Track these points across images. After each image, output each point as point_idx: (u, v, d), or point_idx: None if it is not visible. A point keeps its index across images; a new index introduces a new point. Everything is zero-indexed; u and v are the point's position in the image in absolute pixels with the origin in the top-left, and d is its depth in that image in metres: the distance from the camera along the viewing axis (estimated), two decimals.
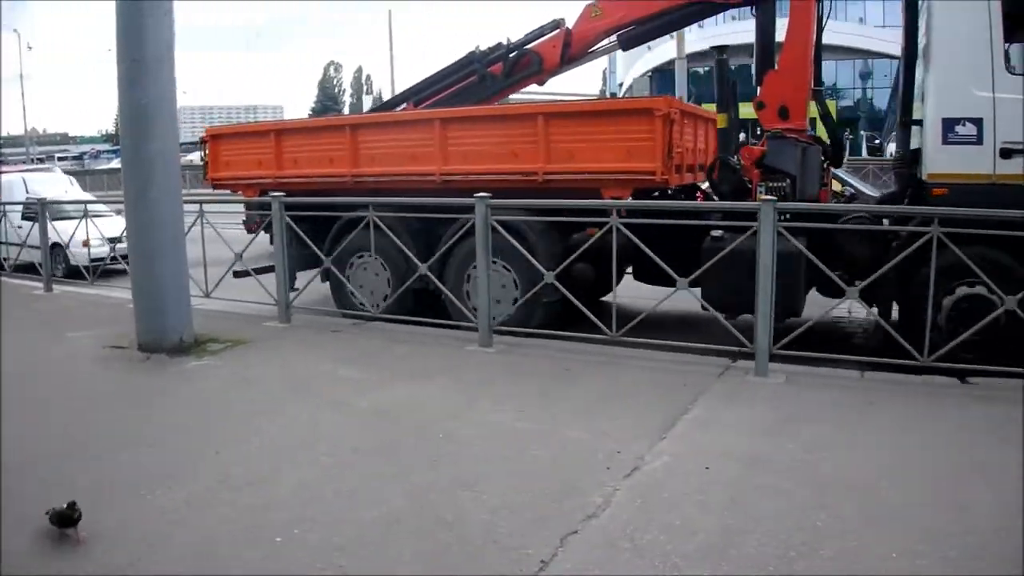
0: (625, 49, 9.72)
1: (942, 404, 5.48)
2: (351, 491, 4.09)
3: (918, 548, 3.43)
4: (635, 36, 9.20)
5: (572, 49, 9.25)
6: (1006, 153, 6.23)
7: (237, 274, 9.04)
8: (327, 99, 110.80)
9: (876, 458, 4.47)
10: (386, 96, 38.09)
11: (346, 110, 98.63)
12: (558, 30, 9.30)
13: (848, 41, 42.64)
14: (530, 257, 7.30)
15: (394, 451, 4.64)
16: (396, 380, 6.20)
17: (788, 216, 6.49)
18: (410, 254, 7.96)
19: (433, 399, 5.70)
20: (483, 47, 9.97)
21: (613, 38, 9.25)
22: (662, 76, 44.19)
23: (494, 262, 7.46)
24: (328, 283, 9.12)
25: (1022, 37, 6.76)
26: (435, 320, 7.93)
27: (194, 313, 7.45)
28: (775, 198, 6.65)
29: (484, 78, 9.69)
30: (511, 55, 9.53)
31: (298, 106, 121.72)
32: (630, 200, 7.42)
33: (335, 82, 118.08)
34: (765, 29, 8.24)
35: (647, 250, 6.74)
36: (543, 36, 9.45)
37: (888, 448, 4.63)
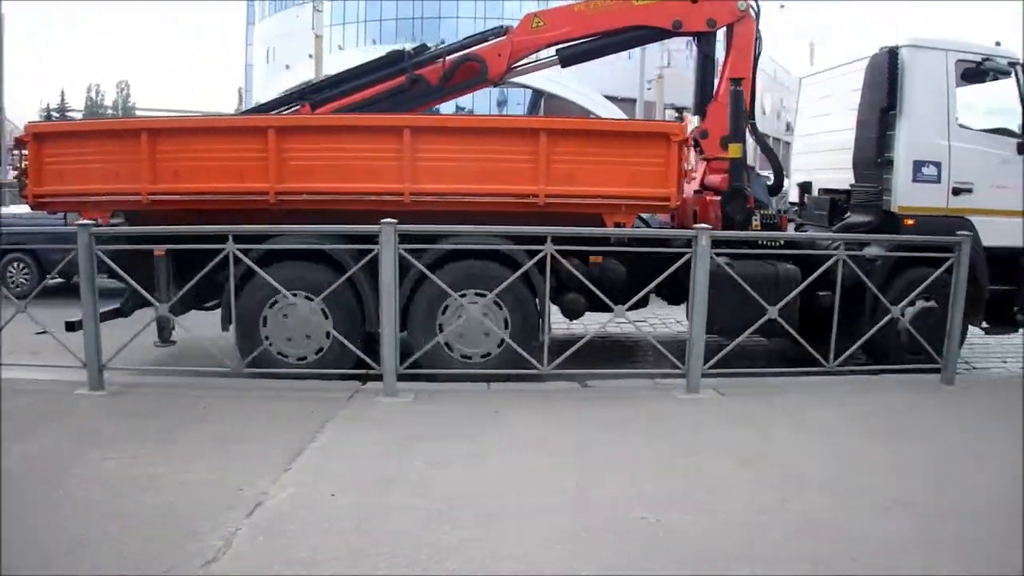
0: (564, 66, 9.21)
1: (561, 407, 6.07)
2: None
3: (541, 547, 3.67)
4: (577, 54, 8.80)
5: (511, 59, 8.55)
6: (956, 191, 7.61)
7: (69, 326, 6.92)
8: None
9: (498, 467, 4.75)
10: None
11: None
12: (504, 37, 8.54)
13: None
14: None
15: None
16: None
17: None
18: (367, 292, 6.87)
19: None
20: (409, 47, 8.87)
21: (552, 52, 8.82)
22: None
23: (481, 295, 6.85)
24: (232, 329, 7.17)
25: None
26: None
27: None
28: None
29: (416, 82, 8.39)
30: (450, 59, 8.49)
31: None
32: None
33: None
34: (705, 61, 8.51)
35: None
36: (485, 42, 8.62)
37: (512, 456, 4.93)
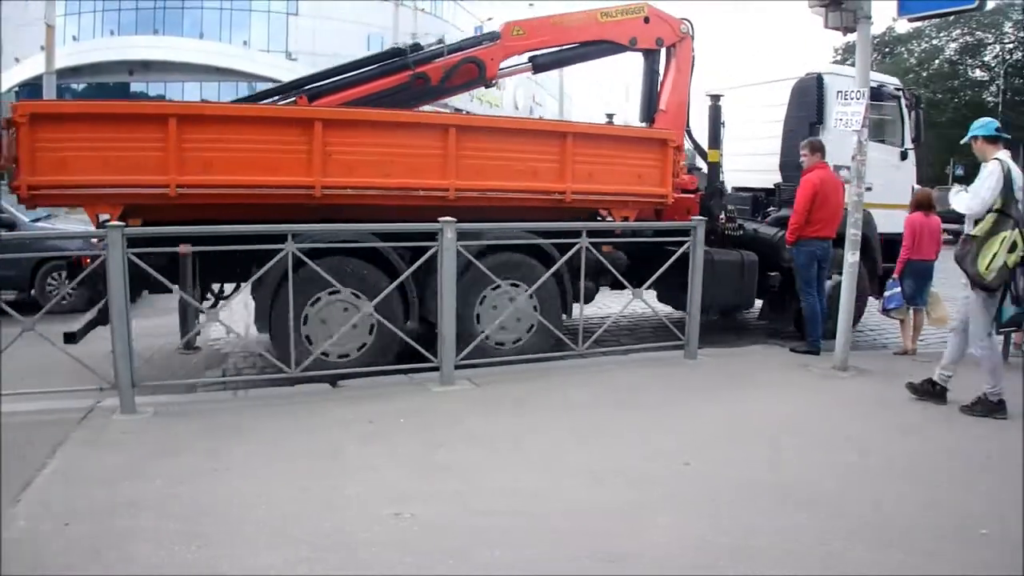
0: (536, 72, 9.85)
1: (310, 410, 5.86)
2: None
3: (293, 554, 3.61)
4: (549, 62, 9.56)
5: (502, 63, 9.11)
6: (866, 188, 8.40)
7: (69, 336, 6.34)
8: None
9: (244, 478, 4.52)
10: None
11: None
12: (497, 42, 8.97)
13: (233, 64, 43.55)
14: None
15: None
16: None
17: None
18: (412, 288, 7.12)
19: None
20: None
21: (525, 59, 9.38)
22: (32, 90, 38.00)
23: (515, 285, 7.57)
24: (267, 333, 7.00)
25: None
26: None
27: None
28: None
29: (420, 79, 8.62)
30: (451, 59, 8.80)
31: None
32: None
33: None
34: (652, 75, 9.44)
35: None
36: (479, 45, 9.03)
37: (259, 465, 4.73)
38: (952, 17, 63.91)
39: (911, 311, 8.73)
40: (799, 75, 9.70)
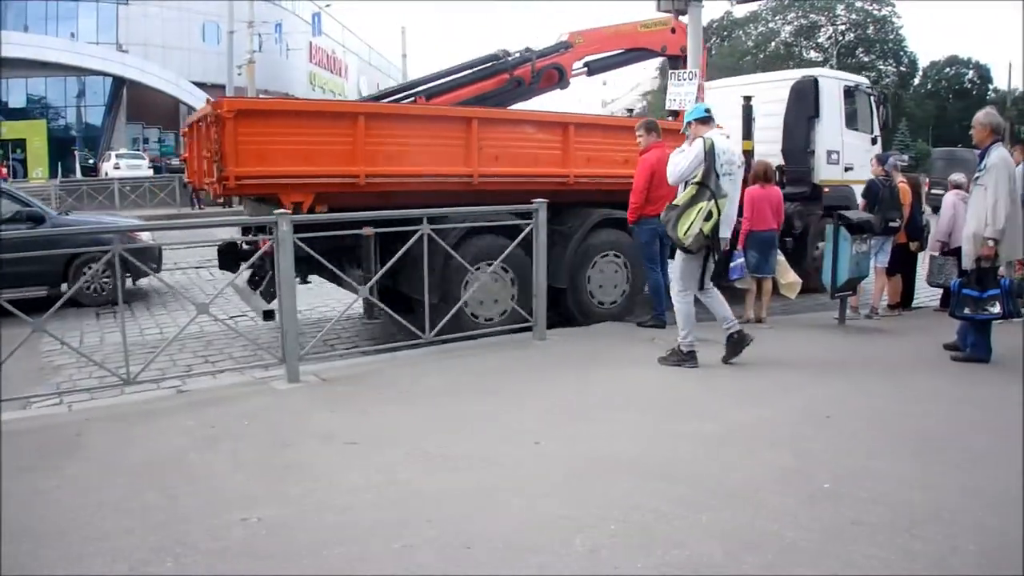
0: (590, 75, 11.87)
1: (151, 420, 5.50)
2: None
3: (133, 568, 3.44)
4: (600, 67, 11.77)
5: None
6: (846, 169, 11.98)
7: (268, 314, 7.40)
8: None
9: (82, 494, 4.20)
10: None
11: None
12: (571, 49, 10.99)
13: (60, 58, 41.18)
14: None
15: None
16: None
17: None
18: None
19: None
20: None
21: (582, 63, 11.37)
22: None
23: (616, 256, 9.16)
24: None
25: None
26: None
27: None
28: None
29: (517, 83, 10.42)
30: (539, 64, 10.62)
31: None
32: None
33: None
34: None
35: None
36: (556, 53, 10.90)
37: (93, 478, 4.44)
38: (787, 0, 67.51)
39: (758, 280, 9.00)
40: (797, 76, 12.28)
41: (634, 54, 11.87)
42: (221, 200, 8.03)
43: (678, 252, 6.87)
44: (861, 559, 3.42)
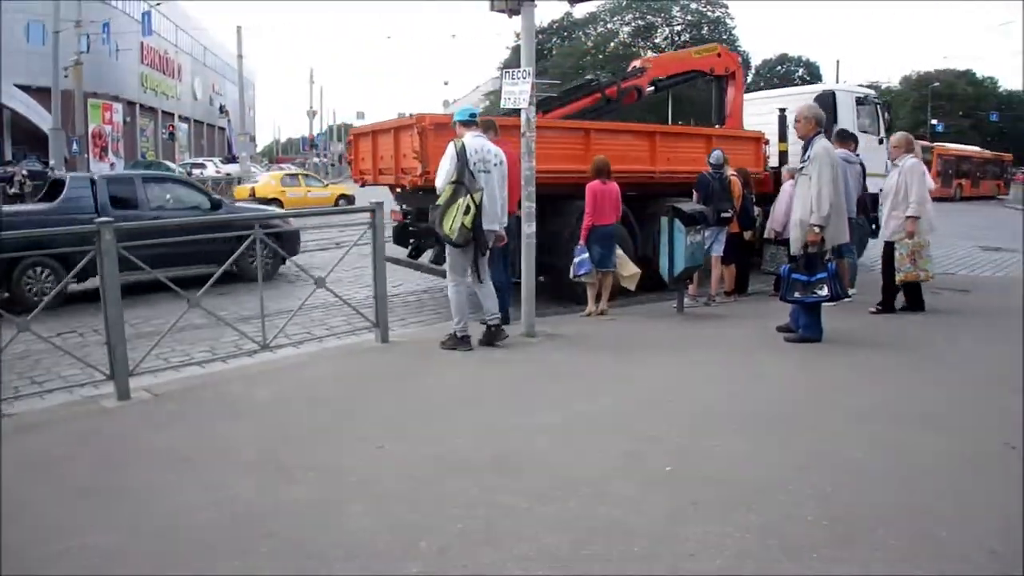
0: (656, 92, 14.68)
1: None
2: None
3: None
4: (665, 85, 14.55)
5: None
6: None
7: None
8: None
9: None
10: None
11: None
12: (645, 73, 13.66)
13: None
14: None
15: None
16: None
17: None
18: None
19: None
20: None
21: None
22: None
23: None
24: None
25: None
26: None
27: None
28: None
29: (607, 100, 12.97)
30: (621, 85, 13.18)
31: None
32: None
33: None
34: (721, 92, 14.46)
35: None
36: (635, 76, 13.59)
37: None
38: (625, 1, 69.37)
39: (601, 274, 9.15)
40: (819, 90, 14.46)
41: (690, 75, 14.44)
42: (399, 189, 10.69)
43: (448, 247, 7.36)
44: (700, 536, 3.51)
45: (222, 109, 64.49)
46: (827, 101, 13.52)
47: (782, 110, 13.43)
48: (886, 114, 15.26)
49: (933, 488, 4.10)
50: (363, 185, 11.99)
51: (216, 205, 13.12)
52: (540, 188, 8.01)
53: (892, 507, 3.85)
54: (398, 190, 10.80)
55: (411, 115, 9.81)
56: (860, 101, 14.61)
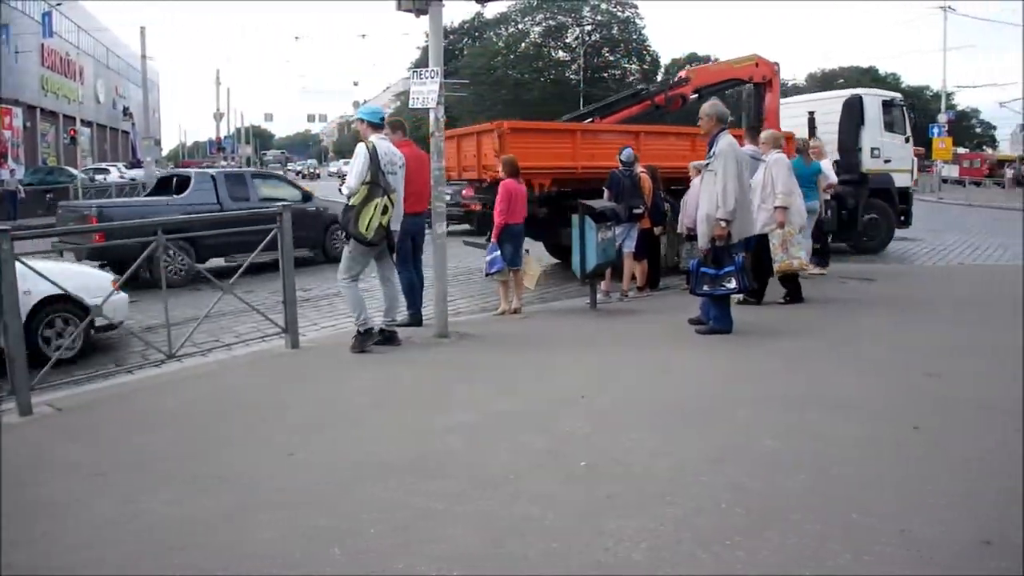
0: (699, 99, 14.41)
1: None
2: None
3: None
4: (708, 92, 14.53)
5: None
6: (885, 161, 15.89)
7: None
8: None
9: None
10: None
11: None
12: (689, 82, 15.05)
13: None
14: None
15: None
16: None
17: None
18: None
19: None
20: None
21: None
22: None
23: None
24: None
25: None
26: None
27: None
28: None
29: (656, 107, 14.76)
30: (668, 93, 14.88)
31: None
32: None
33: None
34: (759, 98, 15.63)
35: None
36: (679, 85, 15.08)
37: None
38: (535, 2, 69.77)
39: (512, 273, 9.14)
40: (848, 95, 16.39)
41: (730, 83, 15.89)
42: (480, 183, 12.50)
43: (352, 244, 7.28)
44: (616, 530, 3.50)
45: (126, 112, 62.29)
46: (855, 105, 15.83)
47: (811, 112, 15.79)
48: (911, 115, 16.97)
49: (845, 473, 4.17)
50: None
51: (307, 197, 15.87)
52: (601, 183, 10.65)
53: (805, 493, 3.90)
54: (478, 184, 12.69)
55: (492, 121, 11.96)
56: (887, 104, 16.27)
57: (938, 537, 3.41)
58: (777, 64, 15.81)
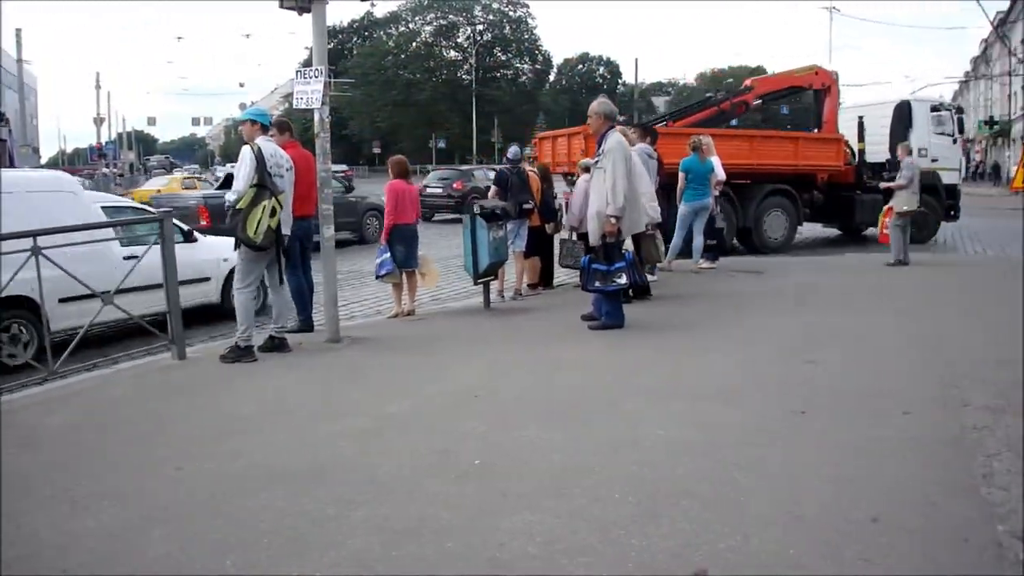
0: (763, 105, 19.02)
1: None
2: None
3: None
4: (770, 99, 18.30)
5: None
6: (933, 160, 17.03)
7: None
8: None
9: None
10: None
11: None
12: (752, 90, 16.89)
13: None
14: None
15: None
16: None
17: None
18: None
19: None
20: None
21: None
22: None
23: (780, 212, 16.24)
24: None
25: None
26: None
27: None
28: None
29: (721, 113, 16.49)
30: (733, 100, 16.72)
31: None
32: None
33: None
34: (819, 104, 17.57)
35: None
36: (743, 93, 16.95)
37: None
38: (426, 1, 69.53)
39: (404, 274, 9.07)
40: (897, 101, 17.87)
41: (791, 90, 17.88)
42: (570, 176, 13.81)
43: (243, 250, 7.04)
44: (511, 526, 3.52)
45: (2, 118, 59.37)
46: (904, 111, 17.35)
47: (860, 118, 17.15)
48: (959, 118, 18.16)
49: (733, 458, 4.29)
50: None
51: (348, 189, 19.16)
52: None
53: (695, 479, 4.00)
54: (570, 177, 14.01)
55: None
56: (935, 108, 17.89)
57: (826, 516, 3.54)
58: (836, 72, 17.19)
